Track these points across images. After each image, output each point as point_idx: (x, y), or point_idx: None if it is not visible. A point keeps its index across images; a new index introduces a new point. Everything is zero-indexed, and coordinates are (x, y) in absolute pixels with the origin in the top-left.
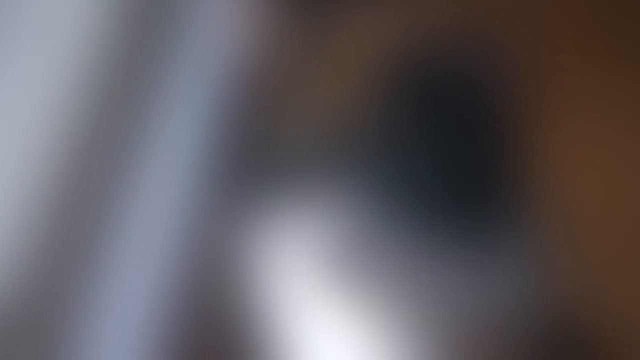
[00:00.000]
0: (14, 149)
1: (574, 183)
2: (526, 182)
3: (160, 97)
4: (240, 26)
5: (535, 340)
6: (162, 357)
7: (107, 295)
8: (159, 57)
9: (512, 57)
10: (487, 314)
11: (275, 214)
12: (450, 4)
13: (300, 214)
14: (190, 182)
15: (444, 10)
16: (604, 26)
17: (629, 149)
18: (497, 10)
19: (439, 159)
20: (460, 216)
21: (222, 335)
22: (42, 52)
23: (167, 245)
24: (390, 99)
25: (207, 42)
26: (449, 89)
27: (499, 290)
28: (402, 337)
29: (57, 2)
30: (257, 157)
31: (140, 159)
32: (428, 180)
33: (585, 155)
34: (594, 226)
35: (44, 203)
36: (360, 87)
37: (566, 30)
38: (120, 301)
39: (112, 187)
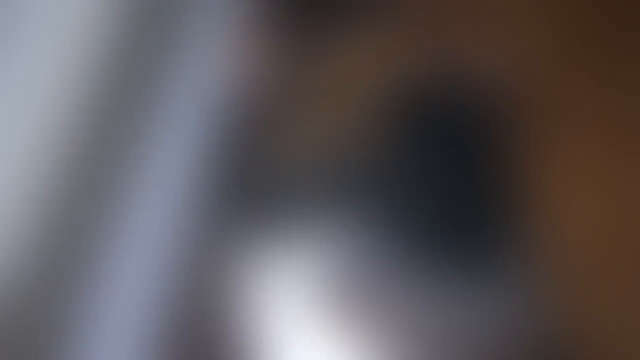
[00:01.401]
0: (13, 150)
1: (568, 213)
2: (521, 214)
3: (156, 124)
4: (239, 54)
5: None
6: None
7: (101, 302)
8: (155, 85)
9: (509, 88)
10: (479, 342)
11: (269, 242)
12: (449, 35)
13: (295, 241)
14: (186, 206)
15: (443, 41)
16: (604, 60)
17: (624, 178)
18: (496, 43)
19: (436, 188)
20: (456, 246)
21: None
22: (40, 62)
23: (161, 268)
24: (388, 129)
25: (205, 70)
26: (447, 119)
27: (492, 320)
28: None
29: (57, 15)
30: (254, 185)
31: (137, 178)
32: (424, 209)
33: (580, 184)
34: (587, 257)
35: (42, 206)
36: (357, 118)
37: (567, 60)
38: (111, 313)
39: (107, 200)
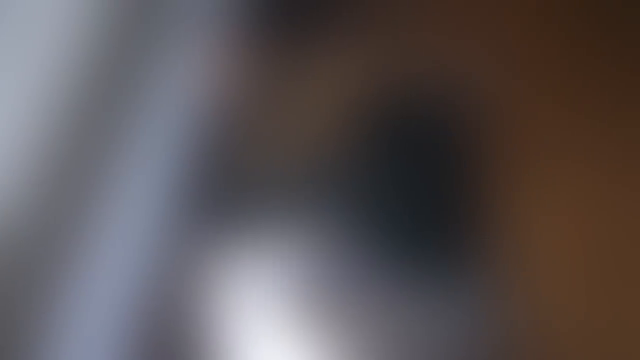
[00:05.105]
0: None
1: (535, 226)
2: (491, 225)
3: (134, 129)
4: (216, 62)
5: None
6: None
7: (72, 302)
8: (134, 91)
9: (483, 101)
10: (445, 350)
11: (240, 247)
12: (422, 49)
13: (265, 247)
14: (159, 210)
15: (415, 54)
16: (578, 74)
17: (587, 193)
18: (469, 56)
19: (407, 198)
20: (424, 255)
21: None
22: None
23: (132, 272)
24: (360, 139)
25: (183, 77)
26: (417, 131)
27: (458, 329)
28: None
29: (40, 18)
30: (226, 190)
31: (112, 181)
32: (394, 218)
33: (550, 199)
34: (553, 271)
35: (18, 209)
36: (328, 129)
37: (538, 77)
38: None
39: (82, 202)
